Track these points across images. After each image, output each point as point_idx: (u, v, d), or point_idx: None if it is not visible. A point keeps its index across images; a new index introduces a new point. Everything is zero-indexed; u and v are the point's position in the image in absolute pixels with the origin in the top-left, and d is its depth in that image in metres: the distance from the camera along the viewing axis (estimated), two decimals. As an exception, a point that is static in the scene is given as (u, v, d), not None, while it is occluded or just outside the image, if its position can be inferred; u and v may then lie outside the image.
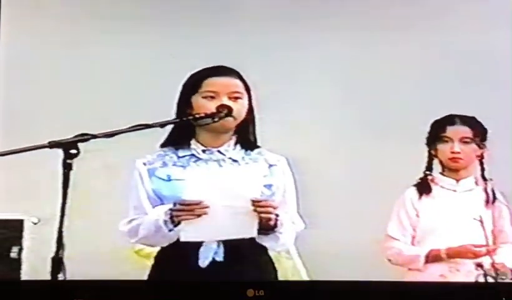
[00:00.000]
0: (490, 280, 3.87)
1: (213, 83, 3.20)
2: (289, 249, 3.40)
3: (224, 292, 3.03)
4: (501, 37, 4.73)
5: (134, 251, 4.04)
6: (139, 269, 3.76)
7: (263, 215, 3.05)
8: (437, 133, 4.06)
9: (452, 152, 4.02)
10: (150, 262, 3.86)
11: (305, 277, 4.12)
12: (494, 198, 4.05)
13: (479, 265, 3.86)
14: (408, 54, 4.76)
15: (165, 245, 3.17)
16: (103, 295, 3.01)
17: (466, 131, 4.02)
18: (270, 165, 3.24)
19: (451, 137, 4.02)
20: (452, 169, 4.05)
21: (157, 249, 3.64)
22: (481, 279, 3.85)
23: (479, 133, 4.04)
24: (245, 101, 3.23)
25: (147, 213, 3.18)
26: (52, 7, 4.84)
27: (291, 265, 4.02)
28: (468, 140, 4.02)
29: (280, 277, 3.30)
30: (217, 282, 3.06)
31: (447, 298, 3.15)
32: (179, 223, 3.07)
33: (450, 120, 4.05)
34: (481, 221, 3.91)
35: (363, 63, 4.76)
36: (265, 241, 3.16)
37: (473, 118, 4.07)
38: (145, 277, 3.33)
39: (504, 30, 4.75)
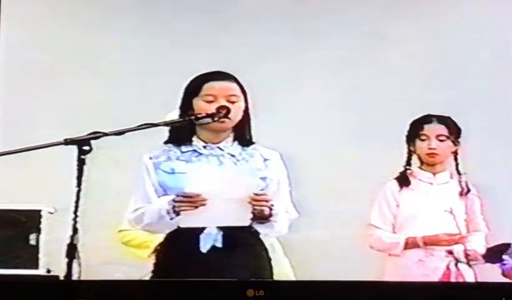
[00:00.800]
0: (461, 266, 3.92)
1: (212, 87, 3.22)
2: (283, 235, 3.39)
3: (224, 292, 3.01)
4: (482, 42, 4.77)
5: (122, 242, 4.06)
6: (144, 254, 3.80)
7: (257, 207, 3.10)
8: (416, 131, 4.08)
9: (430, 149, 4.05)
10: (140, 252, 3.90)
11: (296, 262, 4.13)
12: (468, 190, 4.07)
13: (450, 252, 3.93)
14: (395, 58, 4.79)
15: (166, 232, 3.22)
16: (104, 295, 2.99)
17: (442, 129, 4.05)
18: (265, 160, 3.27)
19: (428, 135, 4.05)
20: (429, 164, 4.08)
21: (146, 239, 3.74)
22: (453, 265, 3.91)
23: (454, 131, 4.07)
24: (241, 103, 3.25)
25: (152, 203, 3.21)
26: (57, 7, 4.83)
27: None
28: (444, 138, 4.05)
29: (274, 264, 3.32)
30: (217, 281, 3.04)
31: (447, 298, 3.12)
32: (180, 213, 3.11)
33: (427, 119, 4.08)
34: (452, 213, 3.95)
35: (353, 67, 4.78)
36: (262, 229, 3.20)
37: (448, 118, 4.09)
38: (150, 264, 3.35)
39: (485, 36, 4.78)
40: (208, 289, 2.97)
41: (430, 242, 3.95)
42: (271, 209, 3.13)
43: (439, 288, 3.54)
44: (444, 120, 4.07)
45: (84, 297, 2.85)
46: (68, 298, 2.83)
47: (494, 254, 3.92)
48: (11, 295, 2.98)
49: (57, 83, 4.78)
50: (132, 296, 3.00)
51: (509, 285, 3.57)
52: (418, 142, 4.07)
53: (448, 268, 3.93)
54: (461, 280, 3.90)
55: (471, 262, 3.93)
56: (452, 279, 3.90)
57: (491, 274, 3.96)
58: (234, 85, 3.26)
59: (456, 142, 4.09)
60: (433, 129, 4.05)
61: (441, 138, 4.04)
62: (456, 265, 3.93)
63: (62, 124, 4.41)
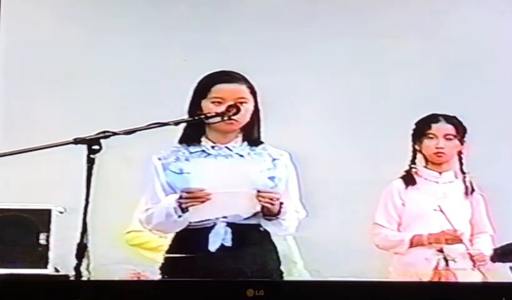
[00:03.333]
0: (451, 264, 3.87)
1: (220, 90, 3.20)
2: (291, 234, 3.37)
3: (224, 291, 2.96)
4: (486, 41, 4.72)
5: (131, 244, 4.02)
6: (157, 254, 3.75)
7: (264, 204, 3.07)
8: (423, 130, 4.04)
9: (437, 148, 4.01)
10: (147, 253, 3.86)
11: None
12: (472, 190, 4.03)
13: (440, 250, 3.88)
14: (400, 58, 4.75)
15: (176, 230, 3.18)
16: (105, 295, 2.96)
17: (450, 129, 4.02)
18: (274, 159, 3.24)
19: (436, 134, 4.01)
20: (435, 163, 4.04)
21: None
22: (442, 263, 3.86)
23: (460, 131, 4.04)
24: (250, 105, 3.22)
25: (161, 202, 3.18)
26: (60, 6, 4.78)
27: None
28: (451, 137, 4.02)
29: (283, 261, 3.27)
30: (217, 281, 3.02)
31: (447, 298, 3.08)
32: (187, 210, 3.08)
33: (435, 118, 4.05)
34: (442, 211, 3.89)
35: (361, 65, 4.73)
36: (269, 227, 3.17)
37: (454, 117, 4.06)
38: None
39: (494, 36, 4.74)
40: (208, 288, 2.92)
41: (435, 240, 3.90)
42: (281, 207, 3.10)
43: (440, 287, 3.52)
44: (451, 120, 4.04)
45: (89, 297, 2.82)
46: (73, 298, 2.80)
47: (504, 254, 3.87)
48: (19, 295, 2.94)
49: (62, 83, 4.72)
50: (134, 296, 2.96)
51: (509, 285, 3.54)
52: (425, 141, 4.03)
53: (436, 267, 3.87)
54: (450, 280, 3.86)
55: (478, 264, 3.88)
56: (441, 278, 3.85)
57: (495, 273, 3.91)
58: (243, 87, 3.23)
59: (462, 142, 4.05)
60: (440, 128, 4.01)
61: (448, 137, 4.00)
62: (446, 264, 3.87)
63: (70, 123, 4.35)
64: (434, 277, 3.85)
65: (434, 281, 3.79)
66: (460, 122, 4.03)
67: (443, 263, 3.87)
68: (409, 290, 3.11)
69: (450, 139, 4.00)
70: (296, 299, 3.03)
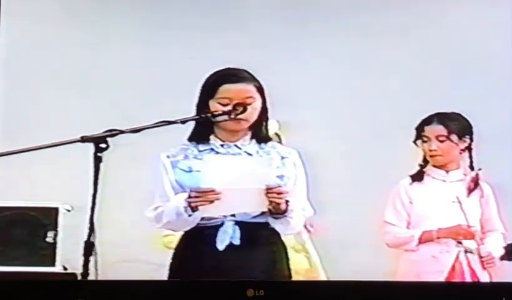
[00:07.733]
0: (470, 256, 3.85)
1: (227, 90, 3.17)
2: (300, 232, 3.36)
3: (224, 291, 2.95)
4: (494, 40, 4.70)
5: (168, 247, 4.02)
6: (164, 252, 3.73)
7: (273, 200, 3.04)
8: (419, 132, 4.01)
9: (430, 150, 3.97)
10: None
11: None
12: (479, 187, 3.98)
13: (459, 243, 3.86)
14: (407, 56, 4.72)
15: (187, 229, 3.16)
16: (106, 295, 2.95)
17: (441, 130, 3.95)
18: (282, 158, 3.21)
19: (429, 136, 3.97)
20: (435, 164, 4.00)
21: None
22: (462, 255, 3.84)
23: (455, 130, 3.96)
24: (257, 104, 3.20)
25: (171, 201, 3.15)
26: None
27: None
28: (443, 138, 3.95)
29: (292, 260, 3.25)
30: (217, 281, 3.00)
31: (448, 297, 3.07)
32: (197, 209, 3.06)
33: (428, 120, 3.99)
34: (460, 202, 3.87)
35: (367, 65, 4.71)
36: (276, 225, 3.14)
37: (452, 115, 4.00)
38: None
39: (496, 33, 4.72)
40: (208, 288, 2.91)
41: (445, 235, 3.87)
42: (287, 205, 3.07)
43: (441, 287, 3.50)
44: (444, 120, 3.96)
45: (95, 296, 2.82)
46: (79, 297, 2.80)
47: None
48: (27, 293, 2.94)
49: (64, 81, 4.71)
50: (135, 296, 2.96)
51: (509, 285, 3.52)
52: (422, 143, 4.00)
53: (457, 257, 3.85)
54: (470, 269, 3.85)
55: (487, 265, 3.86)
56: (465, 268, 3.84)
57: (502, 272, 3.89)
58: (249, 86, 3.19)
59: (462, 140, 3.97)
60: (432, 130, 3.95)
61: (440, 139, 3.95)
62: (465, 254, 3.85)
63: (74, 122, 4.34)
64: (453, 269, 3.83)
65: (435, 281, 3.75)
66: (459, 120, 3.97)
67: (463, 255, 3.85)
68: (410, 290, 3.09)
69: (443, 141, 3.94)
70: (296, 299, 3.01)
